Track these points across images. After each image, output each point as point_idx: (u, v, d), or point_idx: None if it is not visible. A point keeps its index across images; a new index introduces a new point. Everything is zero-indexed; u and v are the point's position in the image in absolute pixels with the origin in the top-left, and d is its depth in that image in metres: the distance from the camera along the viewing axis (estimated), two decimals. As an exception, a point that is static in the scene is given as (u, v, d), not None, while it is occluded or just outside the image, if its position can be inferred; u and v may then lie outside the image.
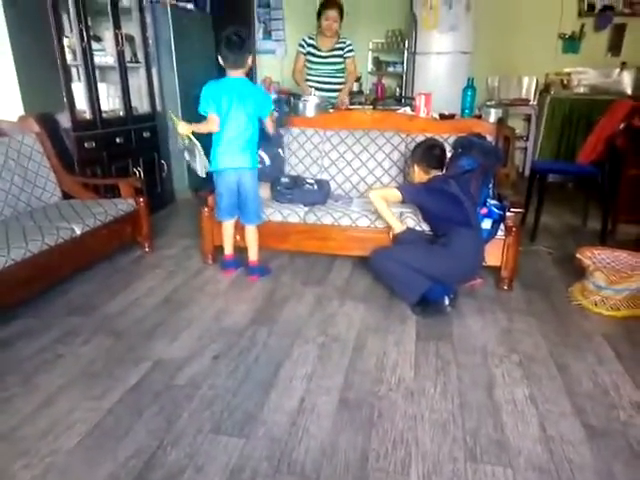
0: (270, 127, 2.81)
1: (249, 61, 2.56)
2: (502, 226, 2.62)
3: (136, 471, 1.46)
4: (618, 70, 5.19)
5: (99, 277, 2.85)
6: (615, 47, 5.30)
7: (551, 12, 5.30)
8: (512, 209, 2.58)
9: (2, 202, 2.72)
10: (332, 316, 2.42)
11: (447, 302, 2.39)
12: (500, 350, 2.12)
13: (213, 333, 2.25)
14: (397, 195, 2.54)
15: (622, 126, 3.46)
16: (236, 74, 2.55)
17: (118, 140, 3.55)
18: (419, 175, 2.66)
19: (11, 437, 1.60)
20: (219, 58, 2.55)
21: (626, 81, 5.18)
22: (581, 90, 5.28)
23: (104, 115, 3.45)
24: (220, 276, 2.88)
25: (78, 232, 2.64)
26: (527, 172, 5.31)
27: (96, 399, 1.78)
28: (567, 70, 5.34)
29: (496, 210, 2.62)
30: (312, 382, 1.89)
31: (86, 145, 3.25)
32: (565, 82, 5.31)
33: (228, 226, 2.84)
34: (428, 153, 2.65)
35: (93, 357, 2.05)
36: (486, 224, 2.60)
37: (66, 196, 3.11)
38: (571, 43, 5.39)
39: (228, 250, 2.89)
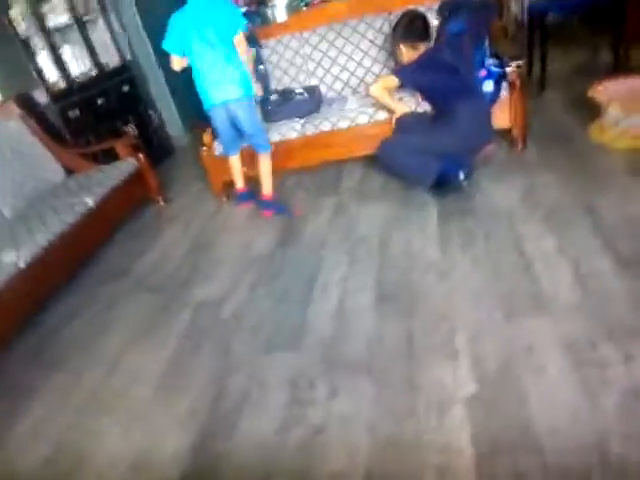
0: (242, 48, 2.51)
1: None
2: (505, 84, 2.49)
3: (209, 400, 1.59)
4: None
5: (123, 241, 2.92)
6: None
7: None
8: (511, 63, 2.43)
9: (12, 194, 2.75)
10: (353, 220, 2.44)
11: (462, 177, 2.35)
12: (524, 209, 2.11)
13: (244, 265, 2.32)
14: (394, 80, 2.40)
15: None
16: None
17: (100, 101, 3.47)
18: (407, 54, 2.47)
19: (92, 401, 1.75)
20: None
21: None
22: None
23: (77, 80, 3.34)
24: (238, 211, 2.91)
25: (91, 204, 2.68)
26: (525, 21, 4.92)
27: (156, 350, 1.91)
28: None
29: (495, 69, 2.48)
30: (347, 284, 1.96)
31: (70, 115, 3.20)
32: None
33: (234, 160, 2.80)
34: (409, 28, 2.44)
35: (139, 316, 2.16)
36: (487, 86, 2.47)
37: (68, 171, 3.12)
38: None
39: (240, 184, 2.88)
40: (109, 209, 2.82)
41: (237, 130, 2.64)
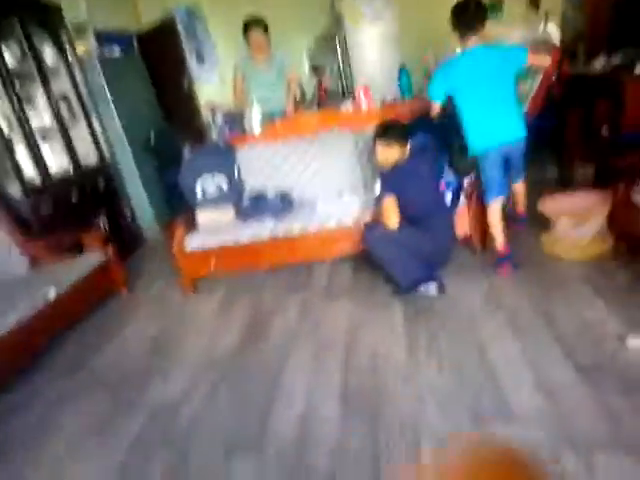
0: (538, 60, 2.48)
1: (486, 26, 2.32)
2: (462, 195, 2.68)
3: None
4: (543, 23, 5.35)
5: (83, 334, 2.81)
6: (534, 2, 5.49)
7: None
8: (467, 176, 2.64)
9: (-32, 284, 2.67)
10: (319, 319, 2.43)
11: (434, 290, 2.42)
12: (485, 311, 2.17)
13: (205, 365, 2.24)
14: (390, 203, 2.43)
15: (554, 76, 3.57)
16: (472, 42, 2.38)
17: (74, 198, 3.51)
18: (382, 153, 2.57)
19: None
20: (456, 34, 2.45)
21: (552, 32, 5.33)
22: (512, 50, 5.42)
23: (53, 176, 3.41)
24: (204, 306, 2.87)
25: (52, 296, 2.61)
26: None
27: (104, 457, 1.76)
28: (494, 33, 5.47)
29: (453, 181, 2.68)
30: (311, 388, 1.91)
31: (42, 209, 3.21)
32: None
33: (498, 208, 2.50)
34: (388, 130, 2.59)
35: (90, 417, 2.03)
36: (447, 197, 2.65)
37: (34, 262, 3.07)
38: (492, 9, 5.54)
39: (501, 240, 2.50)
40: (71, 301, 2.75)
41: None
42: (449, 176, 2.74)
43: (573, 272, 2.36)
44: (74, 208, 3.50)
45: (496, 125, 2.41)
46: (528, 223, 3.01)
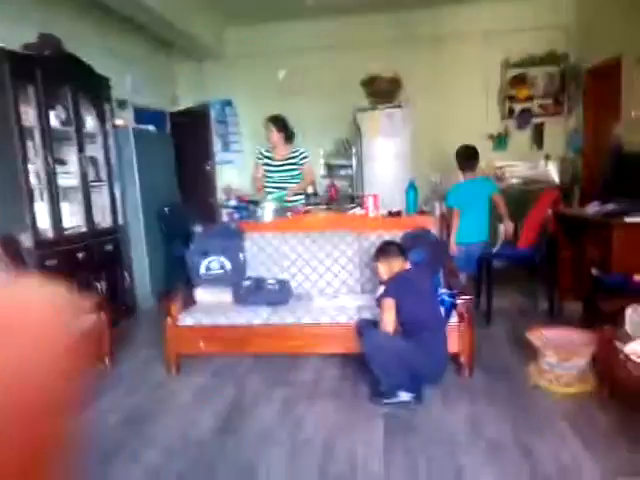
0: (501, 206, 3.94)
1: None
2: (455, 313, 2.77)
3: None
4: (543, 162, 5.80)
5: (57, 398, 2.74)
6: (537, 142, 5.99)
7: (478, 117, 5.99)
8: (462, 297, 2.75)
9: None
10: (301, 418, 2.41)
11: (411, 398, 2.44)
12: (466, 438, 2.16)
13: (177, 450, 2.19)
14: (390, 305, 2.54)
15: (550, 212, 3.83)
16: (468, 176, 3.95)
17: (80, 256, 3.61)
18: (384, 269, 2.73)
19: None
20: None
21: (552, 171, 5.76)
22: (514, 182, 5.80)
23: (66, 232, 3.53)
24: (185, 386, 2.84)
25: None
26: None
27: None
28: (499, 164, 5.91)
29: (447, 298, 2.78)
30: (282, 492, 1.85)
31: (47, 263, 3.29)
32: (499, 175, 5.86)
33: None
34: (386, 248, 2.79)
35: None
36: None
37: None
38: (499, 141, 6.04)
39: None
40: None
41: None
42: (444, 293, 2.85)
43: (555, 407, 2.38)
44: (78, 266, 3.58)
45: (475, 227, 3.81)
46: (516, 349, 3.08)
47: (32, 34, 3.51)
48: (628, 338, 2.33)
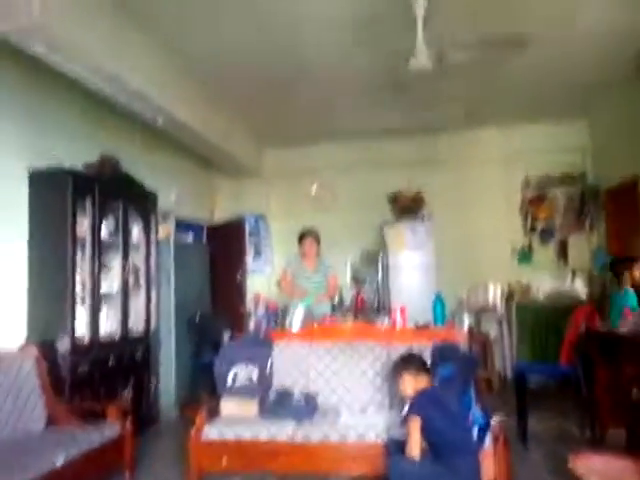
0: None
1: None
2: (489, 435, 2.65)
3: None
4: (570, 277, 5.81)
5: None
6: (562, 257, 6.05)
7: (502, 232, 6.17)
8: (495, 417, 2.64)
9: (-13, 431, 2.69)
10: None
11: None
12: None
13: None
14: (415, 425, 2.45)
15: (583, 328, 3.77)
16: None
17: (111, 362, 3.68)
18: (409, 383, 2.66)
19: None
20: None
21: (579, 287, 5.73)
22: (541, 296, 5.78)
23: (102, 339, 3.64)
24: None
25: (58, 464, 2.55)
26: (509, 374, 5.45)
27: None
28: (525, 279, 5.93)
29: (480, 418, 2.68)
30: None
31: (80, 369, 3.36)
32: (525, 289, 5.86)
33: None
34: (411, 360, 2.76)
35: None
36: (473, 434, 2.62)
37: (51, 421, 3.07)
38: (524, 255, 6.14)
39: None
40: (75, 472, 2.66)
41: None
42: (476, 412, 2.75)
43: None
44: (108, 373, 3.64)
45: None
46: (556, 477, 2.87)
47: (93, 152, 3.94)
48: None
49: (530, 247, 6.11)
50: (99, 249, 3.64)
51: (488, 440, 2.63)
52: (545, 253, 6.11)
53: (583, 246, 6.00)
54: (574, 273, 5.79)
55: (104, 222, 3.81)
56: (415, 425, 2.44)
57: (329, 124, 5.79)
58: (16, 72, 3.51)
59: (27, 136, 3.59)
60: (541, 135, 6.07)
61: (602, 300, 5.37)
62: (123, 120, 4.57)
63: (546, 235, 6.08)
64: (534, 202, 6.11)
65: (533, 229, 6.10)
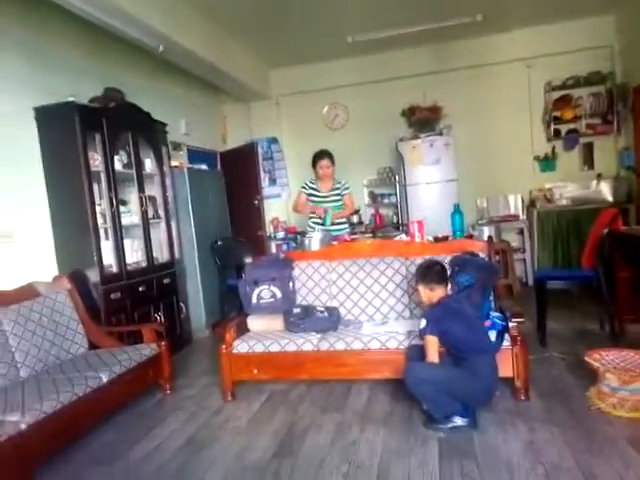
0: None
1: None
2: (507, 336, 2.72)
3: None
4: (595, 182, 5.64)
5: (122, 424, 2.89)
6: (588, 162, 5.83)
7: (523, 140, 5.94)
8: (513, 319, 2.71)
9: (34, 357, 2.89)
10: (354, 443, 2.42)
11: (465, 423, 2.42)
12: (525, 463, 2.10)
13: (235, 473, 2.25)
14: (433, 342, 2.53)
15: (606, 231, 3.71)
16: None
17: (141, 289, 3.84)
18: (425, 294, 2.75)
19: None
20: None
21: (605, 190, 5.59)
22: (564, 202, 5.67)
23: (129, 267, 3.78)
24: (241, 412, 2.92)
25: (105, 380, 2.77)
26: (530, 282, 5.50)
27: None
28: (548, 186, 5.80)
29: (499, 321, 2.74)
30: (338, 514, 1.87)
31: (112, 296, 3.53)
32: (548, 196, 5.74)
33: None
34: (428, 272, 2.80)
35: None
36: (491, 336, 2.70)
37: (92, 346, 3.29)
38: (547, 163, 5.94)
39: None
40: (119, 388, 2.89)
41: None
42: (495, 315, 2.81)
43: (620, 431, 2.27)
44: (139, 299, 3.81)
45: None
46: (575, 373, 2.97)
47: (98, 86, 3.92)
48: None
49: (554, 154, 5.89)
50: (114, 182, 3.67)
51: (507, 341, 2.71)
52: (570, 159, 5.89)
53: (610, 148, 5.76)
54: (599, 176, 5.61)
55: (117, 155, 3.81)
56: (432, 342, 2.52)
57: (338, 35, 5.44)
58: (16, 11, 3.46)
59: (31, 74, 3.54)
60: (564, 35, 5.62)
61: (628, 203, 5.25)
62: (128, 53, 4.45)
63: (570, 140, 5.82)
64: (558, 105, 5.80)
65: (557, 134, 5.84)
